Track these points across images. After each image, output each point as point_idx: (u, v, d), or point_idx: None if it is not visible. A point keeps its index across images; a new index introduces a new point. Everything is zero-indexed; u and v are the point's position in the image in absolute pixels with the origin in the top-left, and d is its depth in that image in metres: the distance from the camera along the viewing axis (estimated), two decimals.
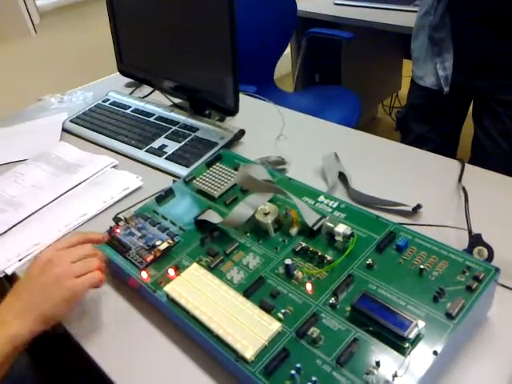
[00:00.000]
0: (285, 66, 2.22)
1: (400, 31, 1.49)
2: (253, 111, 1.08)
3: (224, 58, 0.87)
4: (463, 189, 0.68)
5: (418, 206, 0.70)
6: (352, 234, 0.56)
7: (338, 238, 0.56)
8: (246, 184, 0.64)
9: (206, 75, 0.95)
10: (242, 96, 1.11)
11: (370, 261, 0.54)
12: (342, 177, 0.80)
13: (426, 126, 1.25)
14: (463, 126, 1.27)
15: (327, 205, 0.64)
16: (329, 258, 0.55)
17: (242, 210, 0.62)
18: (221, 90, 0.91)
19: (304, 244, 0.58)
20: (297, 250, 0.58)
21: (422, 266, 0.52)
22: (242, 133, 0.94)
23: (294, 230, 0.60)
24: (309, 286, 0.53)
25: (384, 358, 0.45)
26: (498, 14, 1.04)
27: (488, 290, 0.50)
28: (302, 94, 1.72)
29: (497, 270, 0.50)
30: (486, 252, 0.59)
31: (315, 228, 0.59)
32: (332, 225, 0.57)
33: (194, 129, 0.96)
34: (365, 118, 2.20)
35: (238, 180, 0.64)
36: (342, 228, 0.57)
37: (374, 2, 1.67)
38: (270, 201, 0.65)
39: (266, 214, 0.61)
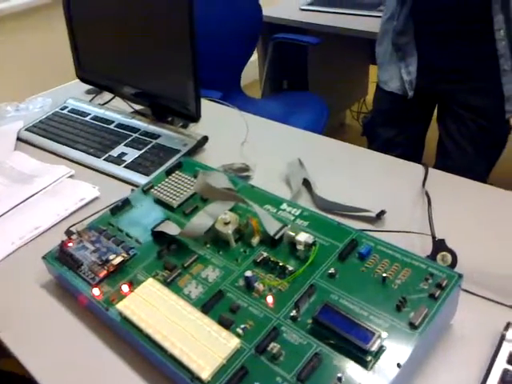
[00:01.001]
0: (252, 72, 2.21)
1: (366, 36, 1.50)
2: (217, 117, 1.06)
3: (184, 63, 0.84)
4: (426, 193, 0.67)
5: (382, 212, 0.69)
6: (314, 243, 0.55)
7: (300, 247, 0.55)
8: (206, 192, 0.61)
9: (166, 81, 0.93)
10: (206, 102, 1.09)
11: (332, 270, 0.52)
12: (307, 183, 0.78)
13: (392, 130, 1.25)
14: (429, 129, 1.28)
15: (290, 213, 0.62)
16: (290, 268, 0.53)
17: (201, 220, 0.59)
18: (182, 95, 0.89)
19: (265, 254, 0.56)
20: (258, 260, 0.56)
21: (384, 274, 0.50)
22: (205, 139, 0.91)
23: (255, 240, 0.58)
24: (270, 299, 0.51)
25: (346, 373, 0.43)
26: (461, 17, 1.05)
27: (451, 297, 0.48)
28: (268, 100, 1.71)
29: (460, 276, 0.49)
30: (449, 257, 0.58)
31: (277, 237, 0.57)
32: (293, 233, 0.55)
33: (155, 136, 0.93)
34: (333, 124, 2.21)
35: (196, 188, 0.62)
36: (303, 237, 0.55)
37: (340, 7, 1.68)
38: (232, 209, 0.62)
39: (226, 224, 0.59)
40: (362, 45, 1.86)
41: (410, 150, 1.24)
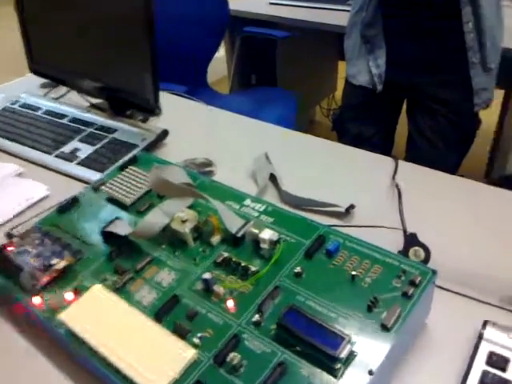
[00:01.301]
0: (220, 68, 2.16)
1: (335, 30, 1.47)
2: (181, 111, 1.00)
3: (142, 55, 0.80)
4: (397, 186, 0.64)
5: (351, 207, 0.65)
6: (279, 240, 0.50)
7: (264, 246, 0.50)
8: (161, 188, 0.56)
9: (124, 73, 0.87)
10: (170, 96, 1.03)
11: (298, 269, 0.48)
12: (274, 179, 0.74)
13: (361, 125, 1.22)
14: (398, 124, 1.26)
15: (253, 208, 0.58)
16: (253, 268, 0.49)
17: (156, 219, 0.54)
18: (140, 88, 0.83)
19: (226, 254, 0.51)
20: (218, 261, 0.51)
21: (354, 272, 0.47)
22: (165, 133, 0.86)
23: (215, 239, 0.53)
24: (230, 303, 0.46)
25: (314, 383, 0.39)
26: (428, 10, 1.03)
27: (425, 295, 0.45)
28: (237, 95, 1.67)
29: (433, 272, 0.46)
30: (422, 252, 0.55)
31: (239, 235, 0.52)
32: (256, 230, 0.51)
33: (111, 130, 0.87)
34: (303, 121, 2.18)
35: (150, 183, 0.56)
36: (267, 234, 0.50)
37: (309, 1, 1.65)
38: (190, 207, 0.58)
39: (183, 222, 0.54)
40: (331, 40, 1.84)
41: (379, 146, 1.22)
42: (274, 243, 0.50)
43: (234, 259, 0.50)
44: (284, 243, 0.50)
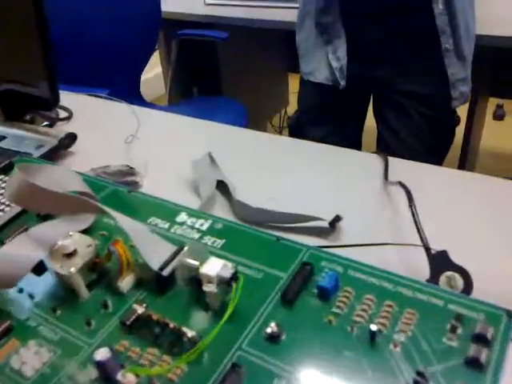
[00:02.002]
0: (159, 85, 1.95)
1: (282, 27, 1.31)
2: (100, 115, 0.78)
3: (34, 50, 0.59)
4: (404, 187, 0.44)
5: (337, 219, 0.45)
6: (234, 276, 0.29)
7: (209, 288, 0.28)
8: (27, 200, 0.33)
9: (14, 71, 0.65)
10: (88, 99, 0.83)
11: (272, 327, 0.27)
12: (222, 187, 0.53)
13: (322, 128, 1.05)
14: (365, 125, 1.09)
15: (192, 227, 0.36)
16: (190, 333, 0.27)
17: (18, 254, 0.31)
18: (34, 81, 0.62)
19: (142, 309, 0.29)
20: (128, 322, 0.29)
21: (373, 327, 0.26)
22: (72, 138, 0.63)
23: (125, 283, 0.31)
24: None
25: None
26: None
27: (504, 357, 0.25)
28: (176, 107, 1.45)
29: (510, 314, 0.26)
30: (459, 279, 0.35)
31: (165, 273, 0.30)
32: (196, 262, 0.29)
33: None
34: None
35: (7, 193, 0.33)
36: (214, 266, 0.29)
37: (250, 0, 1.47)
38: (86, 231, 0.35)
39: (68, 257, 0.31)
40: (278, 45, 1.69)
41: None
42: (226, 282, 0.28)
43: (156, 318, 0.28)
44: (244, 280, 0.29)
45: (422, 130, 0.95)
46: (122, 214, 0.33)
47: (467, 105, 1.45)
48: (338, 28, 0.95)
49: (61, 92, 0.84)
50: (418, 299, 0.28)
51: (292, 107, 2.11)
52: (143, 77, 1.52)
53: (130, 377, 0.25)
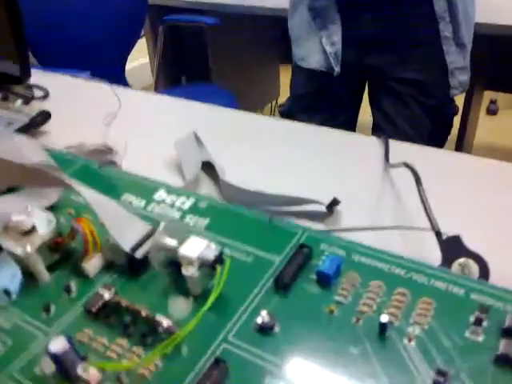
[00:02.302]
0: (146, 75, 1.90)
1: (273, 14, 1.26)
2: (79, 95, 0.73)
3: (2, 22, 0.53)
4: (411, 169, 0.40)
5: (335, 202, 0.41)
6: (220, 259, 0.24)
7: (189, 272, 0.24)
8: None
9: None
10: (68, 79, 0.78)
11: (263, 317, 0.23)
12: (208, 168, 0.48)
13: (315, 117, 1.00)
14: (359, 116, 1.06)
15: (172, 205, 0.32)
16: (166, 322, 0.23)
17: None
18: (3, 58, 0.57)
19: (110, 294, 0.25)
20: (94, 308, 0.24)
21: (384, 318, 0.22)
22: (45, 116, 0.58)
23: (91, 265, 0.27)
24: None
25: None
26: None
27: None
28: (163, 94, 1.40)
29: None
30: (474, 266, 0.31)
31: (138, 255, 0.26)
32: (173, 242, 0.25)
33: None
34: None
35: None
36: (195, 246, 0.24)
37: None
38: (52, 210, 0.31)
39: (24, 235, 0.26)
40: (271, 34, 1.64)
41: None
42: (210, 265, 0.24)
43: (125, 304, 0.24)
44: (231, 263, 0.25)
45: (419, 119, 0.92)
46: (90, 188, 0.28)
47: (463, 97, 1.43)
48: (332, 13, 0.91)
49: (38, 72, 0.78)
50: (436, 287, 0.24)
51: (283, 99, 2.07)
52: (129, 65, 1.46)
53: (93, 372, 0.21)
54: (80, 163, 0.37)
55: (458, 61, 0.90)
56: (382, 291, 0.24)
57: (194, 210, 0.31)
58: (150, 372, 0.21)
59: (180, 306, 0.24)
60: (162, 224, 0.25)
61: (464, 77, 0.91)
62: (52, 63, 1.11)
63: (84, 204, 0.32)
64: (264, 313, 0.23)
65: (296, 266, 0.25)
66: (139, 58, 2.12)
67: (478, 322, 0.22)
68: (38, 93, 0.71)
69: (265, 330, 0.23)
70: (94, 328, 0.24)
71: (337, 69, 0.93)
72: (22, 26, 0.55)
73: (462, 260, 0.31)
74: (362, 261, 0.26)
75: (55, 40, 1.29)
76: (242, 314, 0.24)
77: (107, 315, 0.24)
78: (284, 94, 1.98)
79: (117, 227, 0.27)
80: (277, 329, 0.23)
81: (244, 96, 1.58)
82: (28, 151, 0.31)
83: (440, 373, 0.20)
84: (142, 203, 0.32)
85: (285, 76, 2.05)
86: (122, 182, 0.34)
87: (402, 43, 0.90)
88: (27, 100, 0.69)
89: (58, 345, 0.21)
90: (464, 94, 1.45)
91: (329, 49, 0.93)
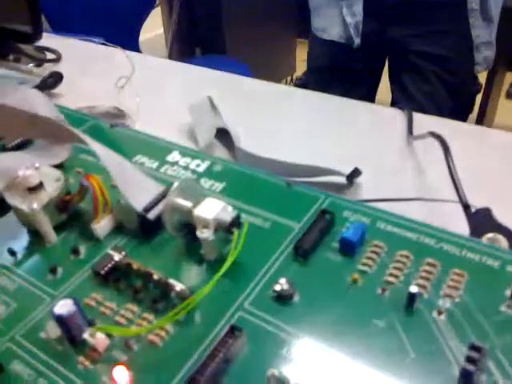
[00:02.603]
0: (160, 46, 1.86)
1: None
2: (91, 59, 0.71)
3: None
4: (435, 135, 0.38)
5: (356, 173, 0.39)
6: (237, 222, 0.23)
7: (204, 235, 0.23)
8: None
9: None
10: (80, 43, 0.77)
11: (282, 284, 0.21)
12: (223, 135, 0.47)
13: (332, 92, 0.97)
14: (378, 89, 1.02)
15: (186, 167, 0.30)
16: (179, 286, 0.21)
17: None
18: (15, 17, 0.55)
19: (120, 256, 0.23)
20: (103, 271, 0.23)
21: (413, 288, 0.20)
22: (57, 78, 0.57)
23: (101, 226, 0.25)
24: (121, 376, 0.19)
25: None
26: None
27: None
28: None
29: None
30: (503, 241, 0.29)
31: (151, 216, 0.25)
32: (188, 203, 0.24)
33: None
34: None
35: None
36: (210, 208, 0.23)
37: None
38: (60, 168, 0.29)
39: (31, 191, 0.25)
40: (289, 6, 1.59)
41: None
42: (226, 228, 0.23)
43: (137, 267, 0.23)
44: (248, 228, 0.23)
45: (440, 95, 0.89)
46: (103, 146, 0.27)
47: (484, 78, 1.38)
48: None
49: (51, 35, 0.76)
50: (468, 258, 0.22)
51: (298, 74, 2.03)
52: (143, 37, 1.44)
53: (101, 337, 0.20)
54: (91, 122, 0.35)
55: (484, 35, 0.86)
56: (409, 261, 0.22)
57: (209, 173, 0.30)
58: (160, 339, 0.20)
59: (194, 272, 0.23)
60: (176, 184, 0.24)
61: (489, 52, 0.87)
62: (66, 31, 1.08)
63: (94, 163, 0.30)
64: (283, 280, 0.21)
65: (317, 232, 0.24)
66: (153, 29, 2.08)
67: None
68: (50, 56, 0.69)
69: (283, 298, 0.21)
70: (102, 292, 0.22)
71: (357, 41, 0.89)
72: None
73: (491, 234, 0.29)
74: (388, 229, 0.24)
75: (70, 8, 1.26)
76: (260, 281, 0.22)
77: (117, 279, 0.23)
78: (300, 70, 1.94)
79: (129, 187, 0.25)
80: (296, 298, 0.21)
81: (259, 70, 1.54)
82: (38, 104, 0.29)
83: (474, 348, 0.18)
84: (155, 165, 0.31)
85: (301, 52, 2.00)
86: (133, 142, 0.33)
87: (427, 15, 0.86)
88: (39, 62, 0.67)
89: (65, 307, 0.20)
90: (486, 74, 1.40)
91: (349, 19, 0.89)
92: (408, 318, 0.20)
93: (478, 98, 1.40)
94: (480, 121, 1.36)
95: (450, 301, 0.20)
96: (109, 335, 0.20)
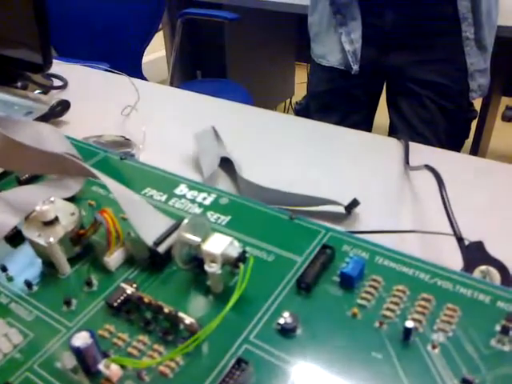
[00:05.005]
0: (162, 69, 1.90)
1: (292, 10, 1.25)
2: (97, 86, 0.74)
3: (26, 12, 0.54)
4: (430, 168, 0.40)
5: (354, 203, 0.40)
6: (243, 257, 0.24)
7: (211, 269, 0.24)
8: (1, 157, 0.29)
9: (4, 34, 0.60)
10: (86, 70, 0.79)
11: (285, 317, 0.23)
12: (226, 164, 0.48)
13: (331, 116, 1.00)
14: (375, 115, 1.05)
15: (193, 201, 0.32)
16: (188, 319, 0.23)
17: None
18: (26, 46, 0.57)
19: (132, 289, 0.25)
20: (116, 303, 0.24)
21: (409, 323, 0.21)
22: (65, 106, 0.59)
23: (113, 258, 0.27)
24: None
25: None
26: None
27: None
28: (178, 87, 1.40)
29: None
30: (496, 274, 0.31)
31: (161, 249, 0.26)
32: (197, 239, 0.25)
33: None
34: None
35: None
36: (218, 243, 0.24)
37: None
38: (72, 199, 0.31)
39: (47, 225, 0.27)
40: (288, 32, 1.63)
41: None
42: (233, 263, 0.24)
43: (148, 300, 0.24)
44: (254, 262, 0.24)
45: (437, 122, 0.91)
46: (114, 180, 0.28)
47: (480, 102, 1.40)
48: (353, 9, 0.90)
49: (58, 62, 0.79)
50: (461, 294, 0.23)
51: (297, 98, 2.06)
52: (146, 59, 1.47)
53: (115, 368, 0.21)
54: (102, 155, 0.37)
55: (478, 63, 0.88)
56: (405, 296, 0.24)
57: (215, 206, 0.31)
58: (171, 370, 0.21)
59: (202, 305, 0.24)
60: (186, 220, 0.25)
61: (484, 80, 0.90)
62: (70, 56, 1.11)
63: (105, 196, 0.32)
64: (286, 314, 0.23)
65: (319, 266, 0.25)
66: (155, 52, 2.12)
67: (505, 330, 0.21)
68: (57, 82, 0.71)
69: (287, 331, 0.22)
70: (115, 323, 0.24)
71: (355, 67, 0.92)
72: (46, 13, 0.55)
73: (483, 267, 0.31)
74: (385, 264, 0.25)
75: (74, 33, 1.29)
76: (264, 314, 0.23)
77: (128, 310, 0.24)
78: (298, 94, 1.97)
79: (140, 221, 0.26)
80: (299, 331, 0.23)
81: (258, 93, 1.57)
82: (51, 139, 0.31)
83: (465, 381, 0.20)
84: (164, 198, 0.32)
85: (300, 75, 2.04)
86: (143, 175, 0.34)
87: (422, 44, 0.89)
88: (46, 89, 0.69)
89: (81, 340, 0.21)
90: (481, 99, 1.43)
91: (347, 47, 0.92)
92: (404, 350, 0.21)
93: (475, 120, 1.42)
94: (476, 143, 1.39)
95: (443, 335, 0.22)
96: (122, 366, 0.21)
